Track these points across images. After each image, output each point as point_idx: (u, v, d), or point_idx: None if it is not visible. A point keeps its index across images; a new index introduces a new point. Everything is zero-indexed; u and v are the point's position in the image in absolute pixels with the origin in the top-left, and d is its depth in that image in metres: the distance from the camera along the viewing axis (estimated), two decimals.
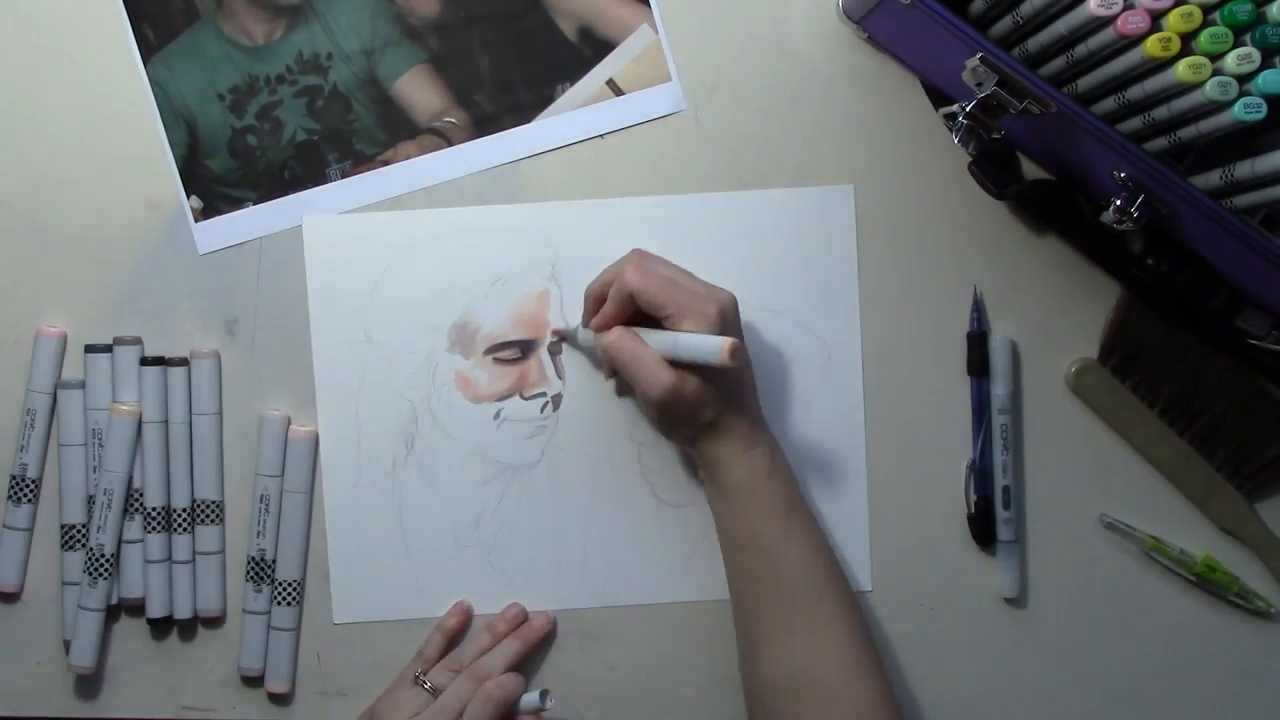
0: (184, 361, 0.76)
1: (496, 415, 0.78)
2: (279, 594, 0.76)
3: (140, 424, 0.75)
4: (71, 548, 0.75)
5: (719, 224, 0.78)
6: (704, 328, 0.69)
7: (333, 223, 0.77)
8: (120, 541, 0.75)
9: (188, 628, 0.77)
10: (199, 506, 0.76)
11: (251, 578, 0.76)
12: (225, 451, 0.77)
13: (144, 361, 0.76)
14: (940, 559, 0.78)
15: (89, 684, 0.77)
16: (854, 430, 0.78)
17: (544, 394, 0.78)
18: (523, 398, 0.78)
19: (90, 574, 0.75)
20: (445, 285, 0.78)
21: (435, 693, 0.73)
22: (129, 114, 0.77)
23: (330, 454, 0.77)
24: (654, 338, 0.70)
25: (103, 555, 0.75)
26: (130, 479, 0.75)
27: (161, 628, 0.77)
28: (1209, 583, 0.78)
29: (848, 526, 0.78)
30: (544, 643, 0.77)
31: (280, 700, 0.77)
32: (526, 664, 0.76)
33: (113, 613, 0.77)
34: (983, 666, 0.78)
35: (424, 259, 0.78)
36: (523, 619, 0.77)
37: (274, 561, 0.76)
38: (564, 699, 0.77)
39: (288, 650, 0.76)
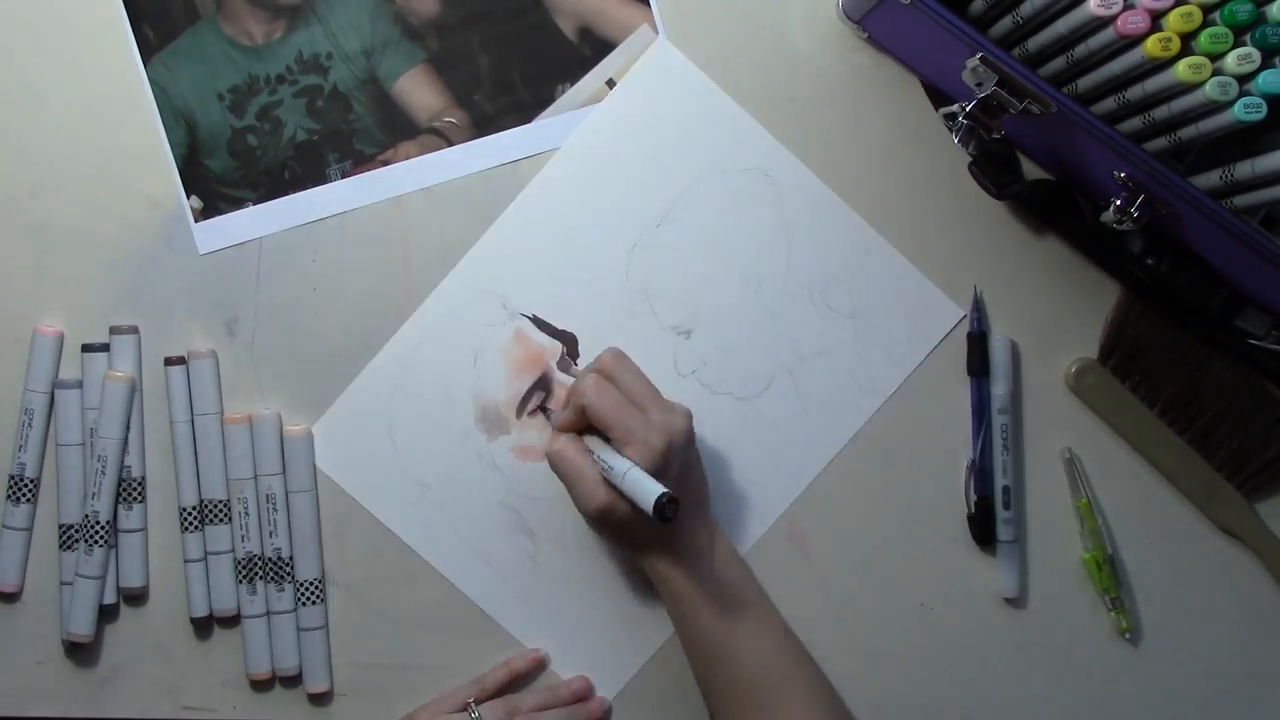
0: (181, 360, 0.76)
1: None
2: (302, 594, 0.76)
3: (133, 392, 0.75)
4: (70, 547, 0.75)
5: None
6: (646, 459, 0.67)
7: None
8: (116, 509, 0.75)
9: (189, 627, 0.77)
10: (206, 506, 0.76)
11: (272, 578, 0.76)
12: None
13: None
14: (940, 559, 0.78)
15: (89, 684, 0.77)
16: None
17: None
18: None
19: (86, 541, 0.74)
20: (441, 395, 0.77)
21: None
22: (129, 114, 0.77)
23: None
24: (604, 455, 0.69)
25: (98, 522, 0.75)
26: (125, 453, 0.75)
27: (172, 626, 0.77)
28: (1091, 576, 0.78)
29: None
30: None
31: (320, 700, 0.77)
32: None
33: (113, 610, 0.77)
34: (983, 666, 0.78)
35: (409, 390, 0.77)
36: (585, 694, 0.76)
37: (291, 560, 0.76)
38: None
39: (322, 649, 0.76)
